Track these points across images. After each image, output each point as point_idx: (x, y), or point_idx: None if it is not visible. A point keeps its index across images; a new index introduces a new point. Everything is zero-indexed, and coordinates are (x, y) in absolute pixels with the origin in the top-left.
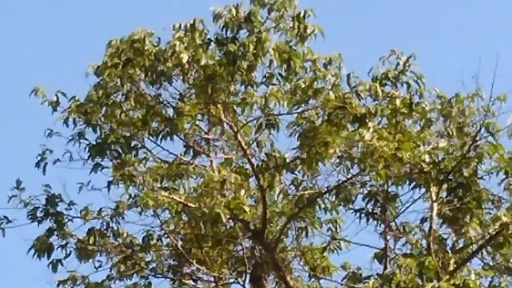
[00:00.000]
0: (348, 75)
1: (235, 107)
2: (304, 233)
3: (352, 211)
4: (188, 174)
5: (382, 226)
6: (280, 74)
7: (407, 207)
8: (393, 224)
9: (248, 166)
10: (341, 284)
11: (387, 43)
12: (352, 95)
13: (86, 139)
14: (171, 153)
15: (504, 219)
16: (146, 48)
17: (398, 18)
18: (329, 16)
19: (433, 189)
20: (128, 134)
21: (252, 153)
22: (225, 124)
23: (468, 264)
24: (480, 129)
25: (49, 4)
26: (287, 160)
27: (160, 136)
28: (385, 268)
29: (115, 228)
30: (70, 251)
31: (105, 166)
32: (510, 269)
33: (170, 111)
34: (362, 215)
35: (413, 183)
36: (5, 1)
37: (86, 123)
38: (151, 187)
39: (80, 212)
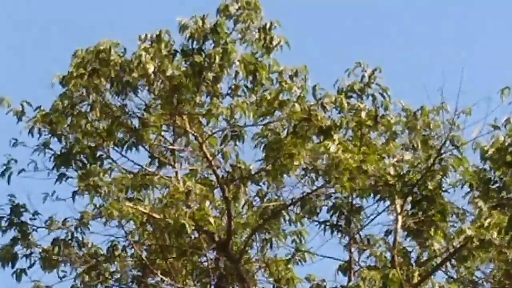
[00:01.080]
0: (314, 87)
1: (200, 118)
2: (268, 244)
3: (316, 223)
4: (153, 184)
5: (347, 238)
6: (245, 86)
7: (372, 220)
8: (357, 236)
9: (213, 177)
10: None
11: (352, 55)
12: (317, 107)
13: (51, 149)
14: (136, 164)
15: (469, 232)
16: (112, 58)
17: (364, 30)
18: (295, 28)
19: (398, 201)
20: (93, 144)
21: (217, 164)
22: (190, 135)
23: (432, 277)
24: (445, 142)
25: (15, 13)
26: (252, 172)
27: (125, 146)
28: (349, 280)
29: (80, 238)
30: (35, 261)
31: (70, 176)
32: (474, 282)
33: (136, 122)
34: (327, 227)
35: (378, 196)
36: None
37: (51, 133)
38: (116, 197)
39: (45, 222)
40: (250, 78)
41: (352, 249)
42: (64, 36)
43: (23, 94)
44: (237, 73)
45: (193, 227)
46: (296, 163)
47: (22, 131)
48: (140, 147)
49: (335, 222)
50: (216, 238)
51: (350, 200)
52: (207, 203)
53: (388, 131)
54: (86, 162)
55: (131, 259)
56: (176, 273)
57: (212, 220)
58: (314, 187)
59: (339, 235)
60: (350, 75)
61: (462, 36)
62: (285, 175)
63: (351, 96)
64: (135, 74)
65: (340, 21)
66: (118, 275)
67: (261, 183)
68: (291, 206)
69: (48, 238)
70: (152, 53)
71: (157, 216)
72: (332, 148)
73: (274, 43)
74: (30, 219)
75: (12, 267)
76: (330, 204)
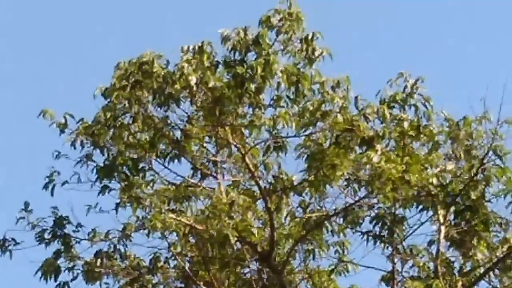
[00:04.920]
0: (356, 98)
1: (243, 129)
2: (311, 255)
3: (359, 233)
4: (195, 196)
5: (390, 248)
6: (288, 97)
7: (415, 230)
8: (400, 246)
9: (255, 188)
10: None
11: (395, 66)
12: (360, 117)
13: (94, 161)
14: (178, 175)
15: None
16: (154, 70)
17: (406, 40)
18: (337, 39)
19: (441, 212)
20: (135, 156)
21: (260, 175)
22: (232, 147)
23: (475, 287)
24: (488, 152)
25: (57, 26)
26: (295, 183)
27: (168, 158)
28: None
29: (123, 250)
30: (78, 273)
31: (113, 188)
32: None
33: (178, 133)
34: (370, 237)
35: (421, 206)
36: (16, 22)
37: (93, 145)
38: (158, 209)
39: (88, 234)
40: (292, 89)
41: (395, 260)
42: (106, 48)
43: (66, 107)
44: (279, 84)
45: (236, 238)
46: (338, 173)
47: (64, 144)
48: (183, 159)
49: (378, 233)
50: (259, 249)
51: (393, 210)
52: (250, 214)
53: (431, 141)
54: (128, 174)
55: (174, 270)
56: (219, 285)
57: (255, 231)
58: (357, 198)
59: (382, 245)
60: (392, 86)
61: (505, 45)
62: (327, 186)
63: (394, 107)
64: (177, 86)
65: (381, 31)
66: (161, 287)
67: (303, 194)
68: (334, 216)
69: (91, 250)
70: (195, 65)
71: (200, 228)
72: (375, 159)
73: (316, 53)
74: (73, 231)
75: (55, 280)
76: (373, 214)
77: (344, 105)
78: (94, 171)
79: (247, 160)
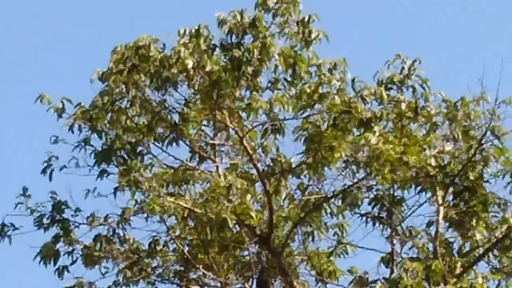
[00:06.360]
0: (353, 80)
1: (240, 112)
2: (310, 237)
3: (358, 215)
4: (194, 179)
5: (389, 230)
6: (285, 79)
7: (413, 211)
8: (399, 228)
9: (254, 171)
10: None
11: (392, 47)
12: (357, 99)
13: (92, 146)
14: (176, 159)
15: (511, 221)
16: (151, 54)
17: (403, 22)
18: (333, 21)
19: (439, 192)
20: (133, 140)
21: (258, 158)
22: (230, 130)
23: (475, 267)
24: (486, 132)
25: (54, 10)
26: (293, 165)
27: (166, 141)
28: (392, 272)
29: (122, 234)
30: (77, 258)
31: (111, 172)
32: None
33: (176, 117)
34: (369, 219)
35: (419, 187)
36: (12, 8)
37: (91, 129)
38: (157, 193)
39: (87, 219)
40: (290, 71)
41: (394, 241)
42: (103, 32)
43: (63, 91)
44: (276, 66)
45: (234, 221)
46: (336, 155)
47: (62, 128)
48: (181, 142)
49: (376, 214)
50: (258, 232)
51: (391, 191)
52: (248, 197)
53: (429, 122)
54: (126, 158)
55: (173, 254)
56: (218, 267)
57: (253, 214)
58: (355, 180)
59: (381, 227)
60: (389, 67)
61: (502, 25)
62: (326, 168)
63: (391, 88)
64: (174, 70)
65: (377, 13)
66: (160, 270)
67: (302, 176)
68: (333, 198)
69: (90, 235)
70: (191, 48)
71: (199, 211)
72: (373, 140)
73: (313, 36)
74: (72, 216)
75: (55, 264)
76: (372, 196)
77: (342, 87)
78: (92, 155)
79: (245, 143)
